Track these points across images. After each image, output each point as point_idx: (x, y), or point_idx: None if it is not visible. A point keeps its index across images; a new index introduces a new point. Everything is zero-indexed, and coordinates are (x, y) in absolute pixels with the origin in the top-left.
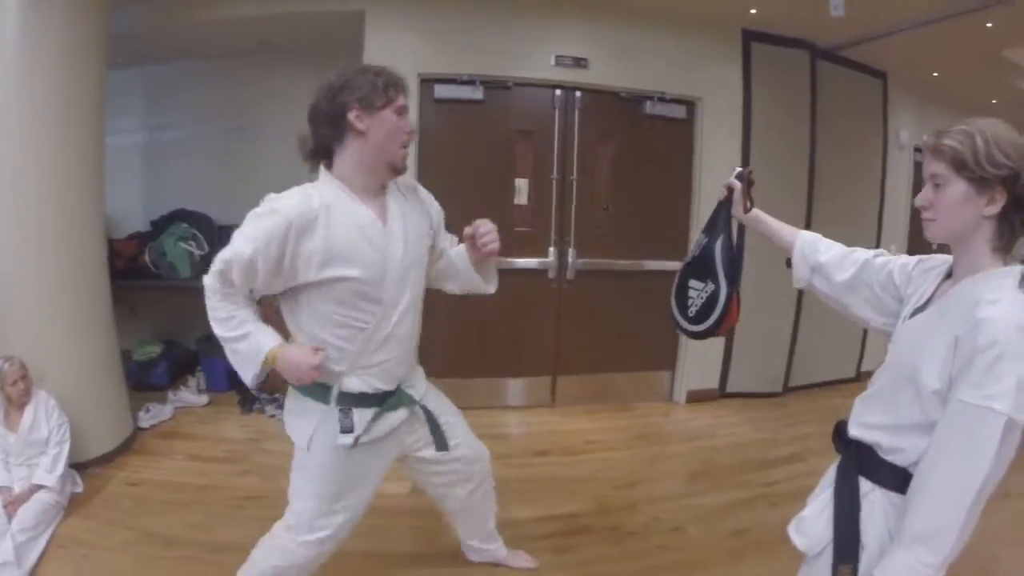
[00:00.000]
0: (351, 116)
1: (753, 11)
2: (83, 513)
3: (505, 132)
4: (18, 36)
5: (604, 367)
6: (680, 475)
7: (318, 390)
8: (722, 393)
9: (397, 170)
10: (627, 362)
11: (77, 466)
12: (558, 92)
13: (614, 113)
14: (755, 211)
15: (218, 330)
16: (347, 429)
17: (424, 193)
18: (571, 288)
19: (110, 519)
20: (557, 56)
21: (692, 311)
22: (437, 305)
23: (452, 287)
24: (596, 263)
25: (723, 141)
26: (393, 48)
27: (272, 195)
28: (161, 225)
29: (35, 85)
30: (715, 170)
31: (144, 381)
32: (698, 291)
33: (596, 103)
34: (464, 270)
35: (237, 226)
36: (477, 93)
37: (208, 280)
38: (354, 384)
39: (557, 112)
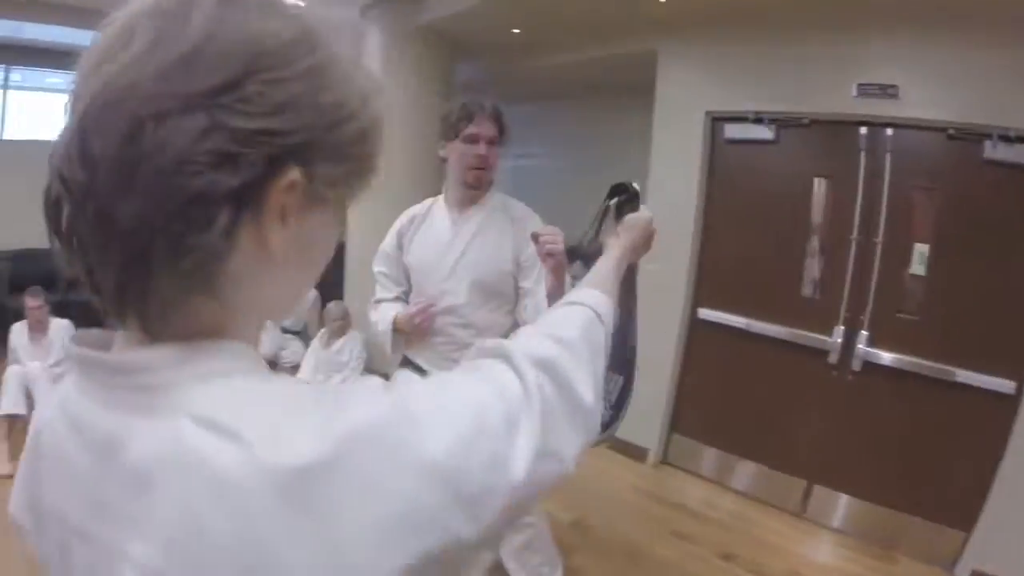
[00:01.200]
0: (438, 146)
1: None
2: None
3: (799, 178)
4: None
5: (871, 495)
6: None
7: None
8: None
9: (471, 187)
10: (904, 500)
11: None
12: (863, 130)
13: (938, 156)
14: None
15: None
16: None
17: (533, 226)
18: (855, 382)
19: None
20: (859, 85)
21: (605, 414)
22: (697, 360)
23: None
24: (895, 358)
25: None
26: (683, 87)
27: None
28: None
29: (388, 122)
30: None
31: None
32: (607, 387)
33: (913, 143)
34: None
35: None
36: (768, 132)
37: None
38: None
39: (863, 155)
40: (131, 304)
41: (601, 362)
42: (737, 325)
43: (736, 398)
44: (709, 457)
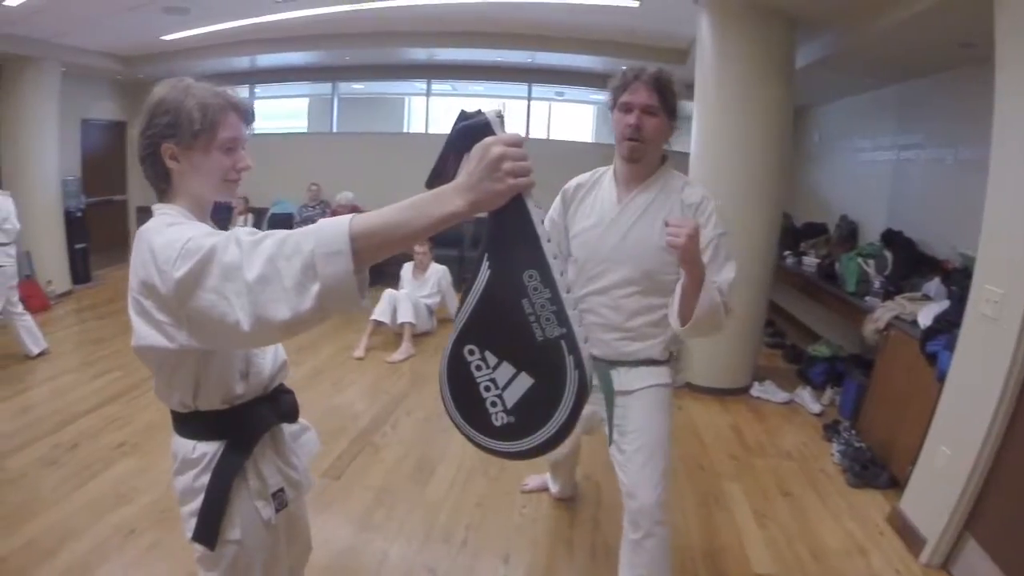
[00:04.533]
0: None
1: None
2: None
3: None
4: (713, 66)
5: None
6: None
7: None
8: None
9: (626, 160)
10: None
11: None
12: None
13: None
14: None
15: None
16: None
17: (703, 213)
18: None
19: None
20: None
21: (499, 415)
22: None
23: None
24: None
25: None
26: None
27: None
28: (886, 238)
29: (726, 103)
30: None
31: (805, 371)
32: (491, 377)
33: None
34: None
35: (935, 260)
36: None
37: None
38: None
39: None
40: (154, 190)
41: (277, 264)
42: None
43: None
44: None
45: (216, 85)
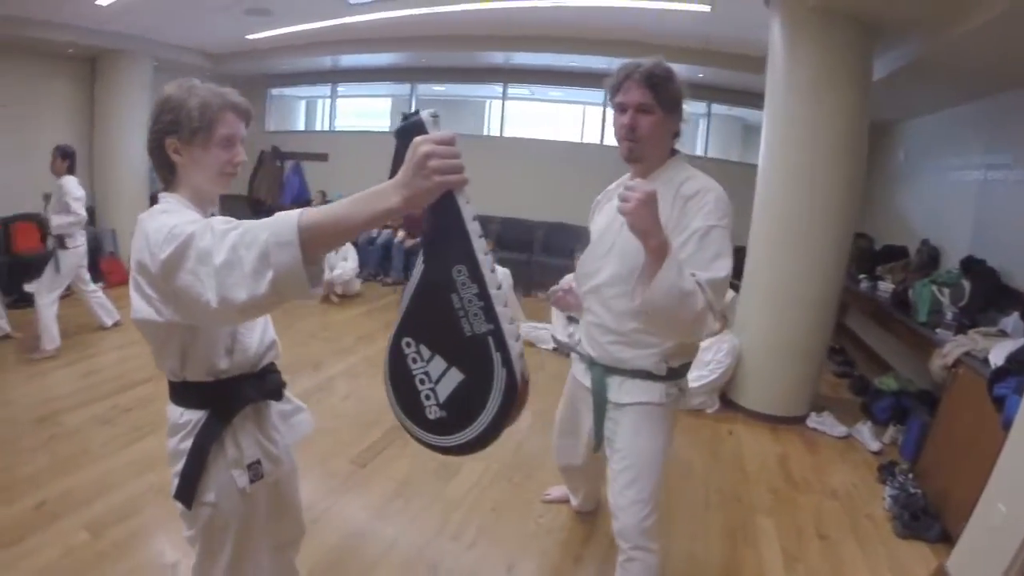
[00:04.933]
0: None
1: None
2: None
3: None
4: (784, 71)
5: None
6: None
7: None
8: None
9: (626, 160)
10: None
11: None
12: None
13: None
14: None
15: None
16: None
17: (695, 204)
18: None
19: None
20: None
21: (433, 408)
22: None
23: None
24: None
25: None
26: None
27: None
28: (965, 266)
29: (796, 110)
30: None
31: (869, 404)
32: (425, 370)
33: None
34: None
35: (1018, 292)
36: None
37: None
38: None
39: None
40: (161, 180)
41: (239, 252)
42: None
43: None
44: None
45: (220, 87)
